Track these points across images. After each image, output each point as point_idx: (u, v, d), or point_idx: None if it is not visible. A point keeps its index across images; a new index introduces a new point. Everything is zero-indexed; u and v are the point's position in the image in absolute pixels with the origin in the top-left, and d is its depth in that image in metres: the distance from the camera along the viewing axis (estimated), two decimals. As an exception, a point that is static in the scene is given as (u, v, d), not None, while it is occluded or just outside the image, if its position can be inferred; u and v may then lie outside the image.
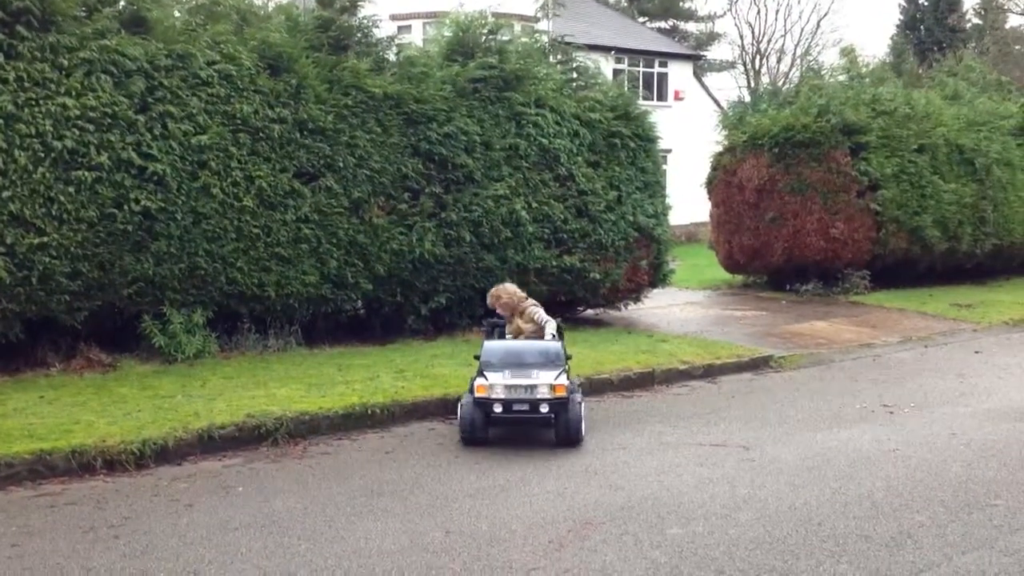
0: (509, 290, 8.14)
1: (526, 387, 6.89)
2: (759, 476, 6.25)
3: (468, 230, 11.23)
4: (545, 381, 6.89)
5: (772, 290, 16.93)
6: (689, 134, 27.29)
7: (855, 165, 15.99)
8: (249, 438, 7.15)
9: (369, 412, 7.78)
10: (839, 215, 15.86)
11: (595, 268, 12.23)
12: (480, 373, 7.05)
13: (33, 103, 8.57)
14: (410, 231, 10.88)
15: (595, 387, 9.08)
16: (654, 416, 8.18)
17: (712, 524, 5.30)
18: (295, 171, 10.14)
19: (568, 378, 7.12)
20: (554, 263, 11.94)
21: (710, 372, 10.03)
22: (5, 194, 8.40)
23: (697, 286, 17.82)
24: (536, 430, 7.21)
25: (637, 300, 13.39)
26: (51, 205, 8.64)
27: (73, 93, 8.76)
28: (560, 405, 6.88)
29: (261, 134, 9.88)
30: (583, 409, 7.17)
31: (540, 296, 12.01)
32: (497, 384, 6.90)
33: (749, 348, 11.07)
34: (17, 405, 7.56)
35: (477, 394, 6.95)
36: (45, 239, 8.60)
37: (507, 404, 6.88)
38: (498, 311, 8.05)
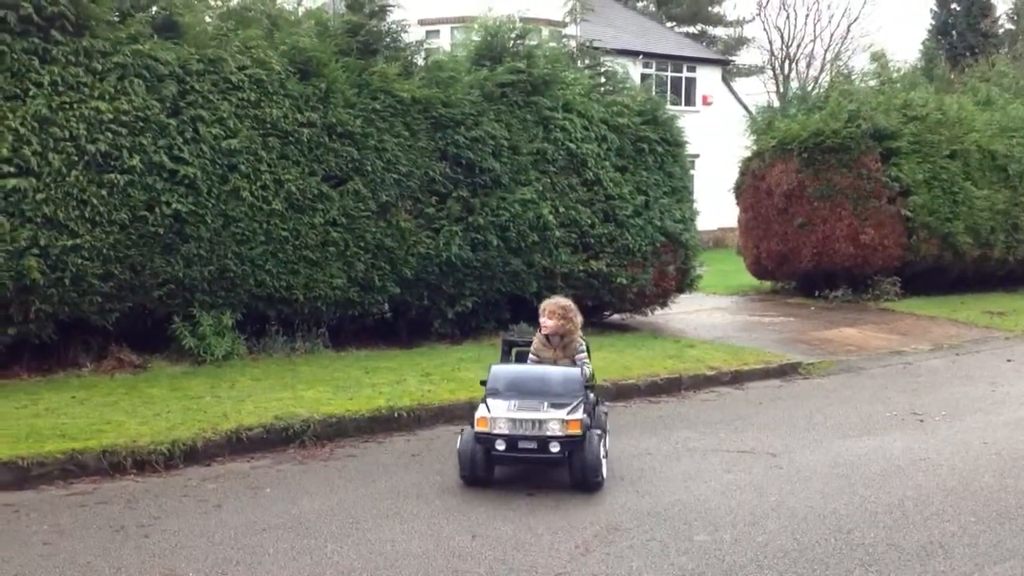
0: (573, 310, 6.66)
1: (534, 422, 5.88)
2: (787, 483, 6.21)
3: (495, 234, 11.24)
4: (556, 416, 5.87)
5: (801, 296, 16.82)
6: (717, 139, 27.19)
7: (886, 171, 15.86)
8: (277, 439, 7.19)
9: (396, 415, 7.81)
10: (869, 221, 15.73)
11: (622, 273, 12.20)
12: (484, 401, 6.10)
13: (67, 107, 8.67)
14: (437, 235, 10.91)
15: (622, 392, 9.06)
16: (681, 422, 8.14)
17: (739, 531, 5.27)
18: (323, 175, 10.20)
19: (587, 411, 6.10)
20: (581, 268, 11.93)
21: (738, 378, 9.97)
22: (39, 196, 8.51)
23: (724, 292, 17.73)
24: (547, 471, 6.23)
25: (664, 305, 13.34)
26: (84, 207, 8.74)
27: (106, 97, 8.86)
28: (574, 444, 5.89)
29: (290, 138, 9.95)
30: (603, 445, 6.21)
31: (567, 300, 12.05)
32: (500, 417, 5.91)
33: (777, 354, 11.00)
34: (49, 404, 7.65)
35: (477, 428, 5.96)
36: (78, 241, 8.70)
37: (512, 440, 5.88)
38: (544, 326, 6.62)
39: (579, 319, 6.70)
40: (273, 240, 9.84)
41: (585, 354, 6.60)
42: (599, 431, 6.16)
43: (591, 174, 12.06)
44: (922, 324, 13.86)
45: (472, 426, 6.02)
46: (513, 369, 6.47)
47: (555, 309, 6.62)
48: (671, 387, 9.45)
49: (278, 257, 9.90)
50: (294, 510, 5.71)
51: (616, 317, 13.32)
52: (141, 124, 9.02)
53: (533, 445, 5.88)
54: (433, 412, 7.98)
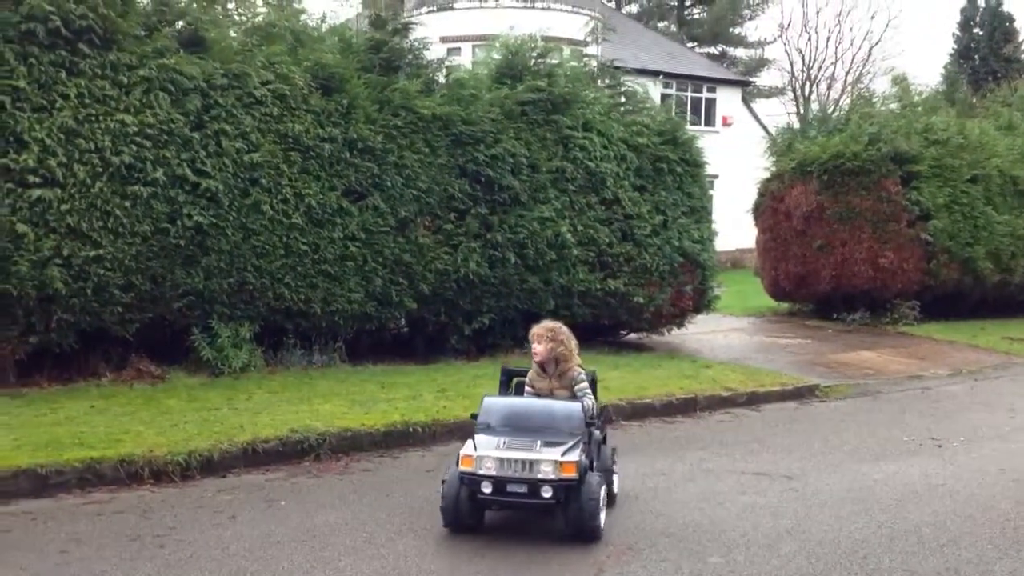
0: (564, 333, 6.05)
1: (524, 462, 5.26)
2: (803, 507, 6.18)
3: (513, 251, 11.27)
4: (549, 457, 5.25)
5: (818, 319, 16.75)
6: (736, 160, 27.16)
7: (906, 194, 15.81)
8: (292, 452, 7.22)
9: (411, 430, 7.82)
10: (889, 244, 15.66)
11: (639, 292, 12.20)
12: (472, 437, 5.52)
13: (93, 119, 8.78)
14: (455, 251, 10.95)
15: (637, 412, 9.05)
16: (696, 443, 8.12)
17: (754, 554, 5.25)
18: (343, 189, 10.27)
19: (589, 450, 5.57)
20: (598, 286, 11.93)
21: (754, 400, 9.94)
22: (63, 207, 8.60)
23: (742, 313, 17.68)
24: (539, 517, 5.61)
25: (681, 325, 13.32)
26: (107, 219, 8.83)
27: (132, 110, 8.97)
28: (568, 489, 5.27)
29: (312, 152, 10.03)
30: (607, 490, 5.69)
31: (583, 319, 12.05)
32: (488, 456, 5.29)
33: (794, 376, 10.96)
34: (69, 413, 7.71)
35: (462, 467, 5.33)
36: (100, 252, 8.79)
37: (499, 483, 5.27)
38: (536, 353, 6.05)
39: (573, 343, 6.04)
40: (292, 254, 9.90)
41: (586, 384, 5.98)
42: (601, 473, 5.59)
43: (610, 193, 12.08)
44: (941, 349, 13.77)
45: (457, 464, 5.40)
46: (507, 402, 5.87)
47: (542, 332, 6.01)
48: (687, 407, 9.42)
49: (297, 271, 9.96)
50: (308, 523, 5.73)
51: (632, 336, 13.31)
52: (165, 137, 9.12)
53: (523, 489, 5.26)
54: (448, 428, 7.99)
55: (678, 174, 12.78)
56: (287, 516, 5.89)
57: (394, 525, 5.68)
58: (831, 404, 10.12)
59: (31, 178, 8.46)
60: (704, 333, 14.22)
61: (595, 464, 5.62)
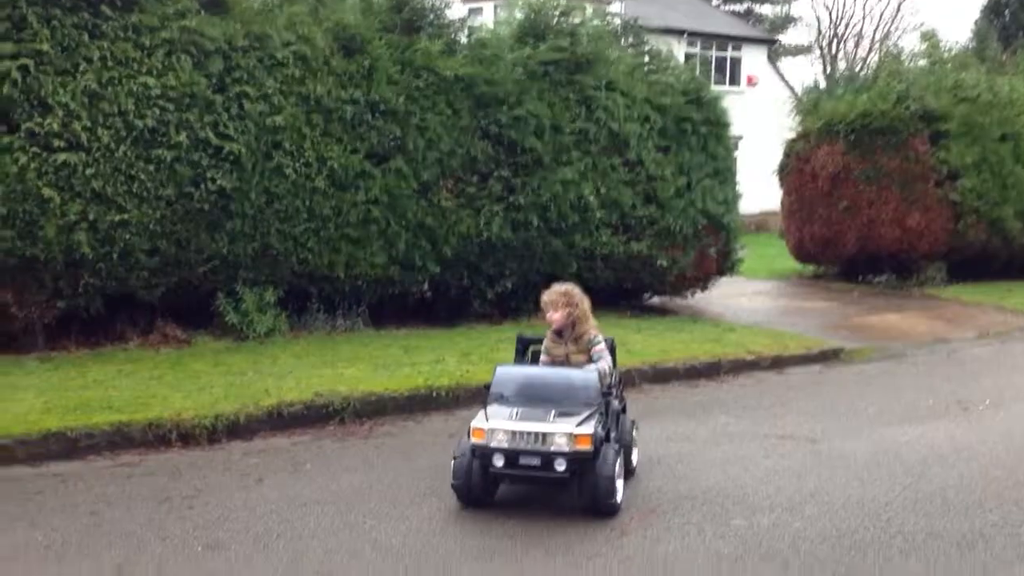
0: (577, 295, 5.87)
1: (537, 435, 5.09)
2: (827, 470, 6.17)
3: (536, 214, 11.23)
4: (563, 429, 5.08)
5: (844, 281, 16.63)
6: (761, 121, 26.87)
7: (934, 153, 15.60)
8: (317, 416, 7.27)
9: (434, 395, 7.85)
10: (916, 205, 15.49)
11: (663, 255, 12.14)
12: (484, 408, 5.37)
13: (116, 82, 8.77)
14: (478, 214, 10.92)
15: (660, 376, 9.04)
16: (720, 406, 8.11)
17: (777, 517, 5.25)
18: (366, 152, 10.23)
19: (606, 422, 5.40)
20: (621, 249, 11.88)
21: (778, 363, 9.90)
22: (88, 171, 8.64)
23: (766, 276, 17.58)
24: (553, 490, 5.44)
25: (704, 288, 13.26)
26: (132, 183, 8.85)
27: (154, 72, 8.95)
28: (583, 462, 5.10)
29: (334, 115, 9.99)
30: (623, 462, 5.43)
31: (606, 283, 12.02)
32: (499, 428, 5.14)
33: (818, 340, 10.90)
34: (97, 377, 7.80)
35: (473, 439, 5.19)
36: (126, 216, 8.83)
37: (511, 456, 5.12)
38: (552, 321, 5.85)
39: (587, 304, 5.88)
40: (315, 217, 9.91)
41: (603, 345, 5.80)
42: (618, 446, 5.39)
43: (633, 154, 11.99)
44: (968, 311, 13.64)
45: (468, 437, 5.25)
46: (520, 371, 5.69)
47: (557, 299, 5.80)
48: (710, 371, 9.40)
49: (320, 235, 9.97)
50: (334, 486, 5.78)
51: (656, 300, 13.27)
52: (188, 100, 9.10)
53: (536, 462, 5.10)
54: (471, 392, 7.99)
55: (702, 135, 12.65)
56: (313, 479, 5.95)
57: (418, 488, 5.72)
58: (856, 367, 10.06)
59: (56, 142, 8.49)
60: (728, 296, 14.16)
61: (612, 435, 5.46)
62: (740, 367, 9.59)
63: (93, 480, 5.86)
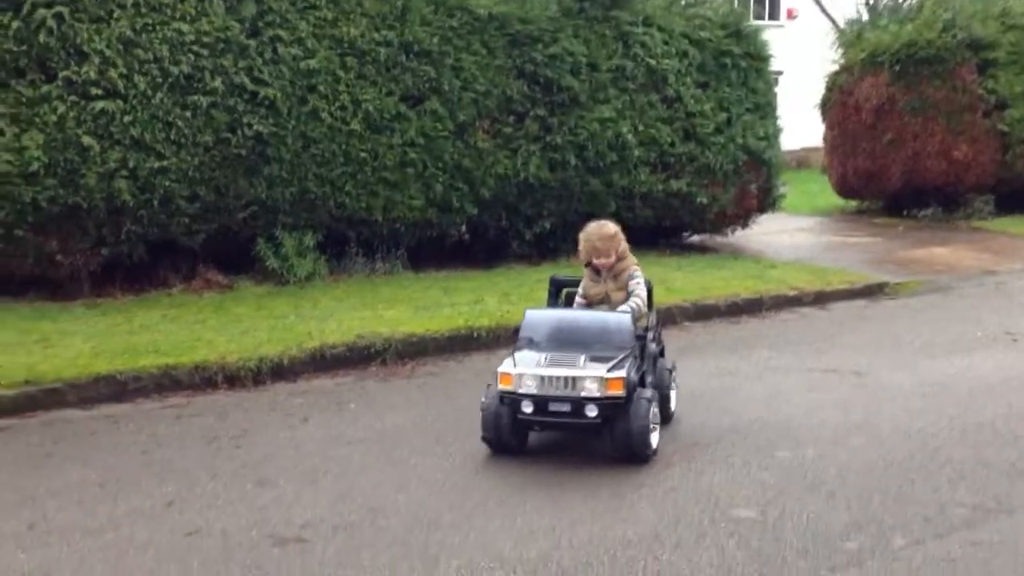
0: (611, 232, 5.60)
1: (567, 379, 4.90)
2: (873, 402, 6.11)
3: (573, 154, 11.12)
4: (594, 373, 4.88)
5: (888, 216, 16.34)
6: (802, 55, 26.20)
7: (982, 83, 15.18)
8: (359, 358, 7.33)
9: (475, 335, 7.87)
10: (963, 136, 15.12)
11: (702, 193, 11.99)
12: (512, 353, 5.20)
13: (150, 28, 8.75)
14: (515, 155, 10.84)
15: (701, 313, 8.99)
16: (762, 342, 8.05)
17: (823, 448, 5.22)
18: (401, 94, 10.16)
19: (641, 365, 5.24)
20: (660, 187, 11.75)
21: (821, 298, 9.78)
22: (127, 119, 8.67)
23: (808, 212, 17.32)
24: (585, 437, 5.27)
25: (745, 226, 13.11)
26: (169, 130, 8.88)
27: (188, 18, 8.92)
28: (615, 407, 4.92)
29: (367, 57, 9.91)
30: (659, 407, 5.22)
31: (645, 222, 11.92)
32: (527, 373, 4.96)
33: (862, 274, 10.75)
34: (143, 322, 7.92)
35: (500, 385, 5.02)
36: (165, 163, 8.87)
37: (541, 402, 4.94)
38: (604, 265, 5.61)
39: (618, 232, 5.64)
40: (352, 161, 9.89)
41: (640, 280, 5.59)
42: (653, 390, 5.23)
43: (671, 91, 11.79)
44: (1016, 243, 13.36)
45: (496, 383, 5.08)
46: (549, 315, 5.49)
47: (608, 245, 5.53)
48: (752, 307, 9.31)
49: (357, 178, 9.96)
50: (378, 425, 5.84)
51: (696, 238, 13.15)
52: (222, 45, 9.07)
53: (566, 408, 4.92)
54: (511, 332, 7.89)
55: (742, 69, 12.41)
56: (357, 418, 6.01)
57: (461, 426, 5.74)
58: (901, 301, 9.92)
59: (93, 90, 8.53)
60: (769, 233, 13.97)
61: (649, 380, 5.32)
62: (782, 303, 9.50)
63: (143, 421, 5.97)
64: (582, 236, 5.67)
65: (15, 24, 8.27)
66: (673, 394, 5.72)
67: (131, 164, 8.72)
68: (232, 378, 6.75)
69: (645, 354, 5.34)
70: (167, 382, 6.58)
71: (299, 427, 5.83)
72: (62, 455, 5.34)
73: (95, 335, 7.41)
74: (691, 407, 6.01)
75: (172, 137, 8.89)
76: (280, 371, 6.95)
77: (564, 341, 5.16)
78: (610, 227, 5.63)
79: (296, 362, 7.07)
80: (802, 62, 25.65)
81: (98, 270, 9.09)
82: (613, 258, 5.58)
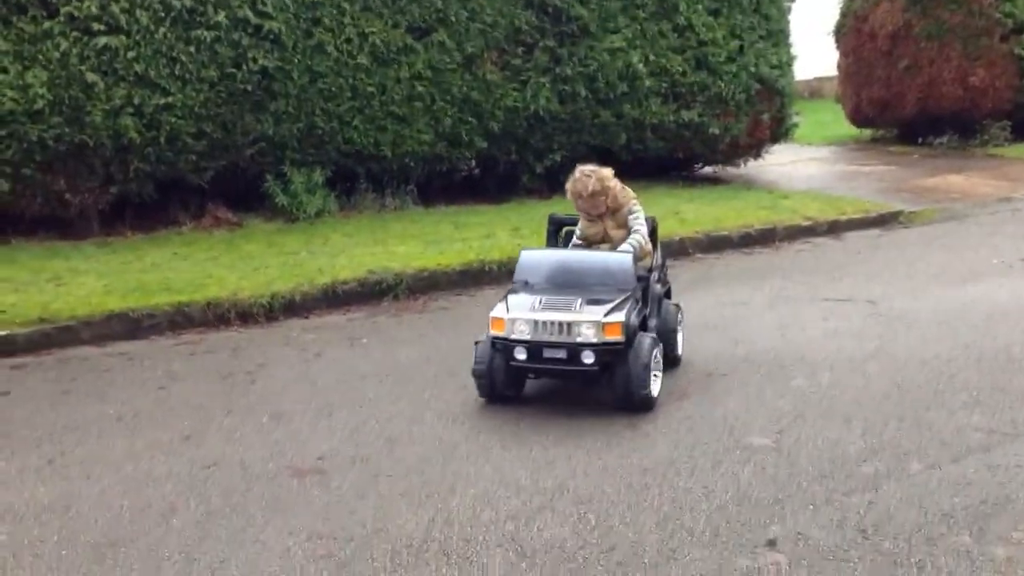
0: (604, 175, 5.27)
1: (562, 324, 4.61)
2: (888, 330, 6.07)
3: (583, 85, 10.96)
4: (590, 318, 4.59)
5: (903, 144, 16.13)
6: (815, -19, 25.67)
7: (999, 7, 14.80)
8: (371, 293, 7.33)
9: (486, 268, 7.84)
10: (980, 61, 14.82)
11: (714, 123, 11.84)
12: (505, 297, 4.90)
13: (148, -38, 8.60)
14: (524, 87, 10.69)
15: (714, 244, 8.93)
16: (776, 272, 8.00)
17: (838, 375, 5.20)
18: (407, 26, 9.99)
19: (643, 308, 4.95)
20: (671, 118, 11.60)
21: (835, 228, 9.70)
22: (130, 55, 8.56)
23: (821, 142, 17.12)
24: (583, 384, 4.96)
25: (758, 156, 12.97)
26: (173, 65, 8.77)
27: (189, -49, 8.75)
28: (614, 353, 4.63)
29: (371, -11, 9.72)
30: (663, 351, 4.93)
31: (657, 153, 11.79)
32: (520, 318, 4.66)
33: (877, 203, 10.64)
34: (154, 260, 7.91)
35: (492, 331, 4.74)
36: (170, 99, 8.79)
37: (535, 348, 4.65)
38: (579, 205, 5.37)
39: (609, 174, 5.31)
40: (359, 96, 9.77)
41: (640, 214, 5.34)
42: (655, 335, 4.94)
43: (683, 19, 11.57)
44: (1033, 170, 13.19)
45: (489, 327, 4.80)
46: (546, 255, 5.21)
47: (594, 193, 5.20)
48: (765, 238, 9.24)
49: (365, 113, 9.85)
50: (391, 359, 5.84)
51: (708, 169, 13.03)
52: (224, -22, 8.90)
53: (562, 354, 4.63)
54: (524, 264, 7.98)
55: (753, -5, 12.14)
56: (370, 352, 6.01)
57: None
58: (916, 229, 9.83)
59: (95, 25, 8.41)
60: (782, 164, 13.83)
61: (652, 323, 5.06)
62: (796, 233, 9.42)
63: (157, 358, 5.99)
64: (568, 192, 5.34)
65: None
66: (679, 337, 5.45)
67: (136, 101, 8.64)
68: (245, 315, 6.76)
69: (648, 295, 5.08)
70: (180, 319, 6.60)
71: (313, 362, 5.84)
72: (78, 391, 5.37)
73: (107, 273, 7.41)
74: (704, 338, 5.98)
75: (176, 73, 8.79)
76: (292, 307, 6.96)
77: (561, 283, 4.91)
78: (591, 183, 5.22)
79: (308, 298, 7.07)
80: (815, -12, 25.11)
81: (107, 209, 9.07)
82: (603, 209, 5.30)
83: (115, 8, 8.44)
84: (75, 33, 8.36)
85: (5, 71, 8.18)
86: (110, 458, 4.36)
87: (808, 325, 6.25)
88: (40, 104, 8.25)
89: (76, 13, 8.33)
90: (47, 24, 8.29)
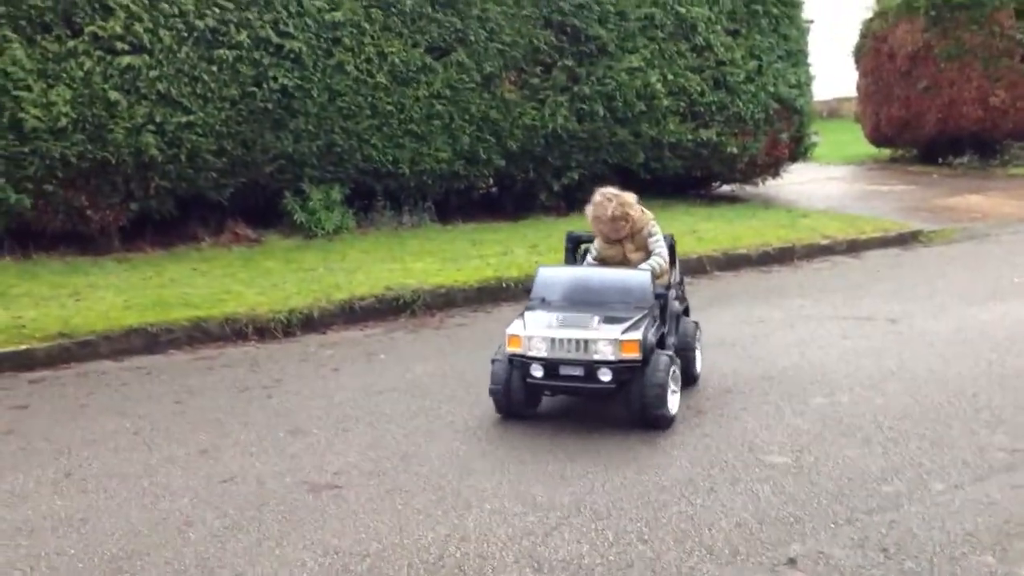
0: (626, 201, 5.24)
1: (579, 342, 4.59)
2: (908, 349, 6.02)
3: (601, 104, 10.99)
4: (607, 335, 4.57)
5: (922, 164, 16.08)
6: (833, 4, 25.68)
7: (1020, 27, 14.78)
8: (388, 309, 7.34)
9: (504, 285, 7.85)
10: (1000, 82, 14.79)
11: (732, 142, 11.84)
12: (522, 314, 4.89)
13: (174, -18, 8.70)
14: (542, 105, 10.73)
15: (732, 262, 8.90)
16: (794, 290, 7.96)
17: (857, 395, 5.15)
18: (427, 46, 10.06)
19: (661, 326, 4.92)
20: (689, 137, 11.61)
21: (854, 247, 9.65)
22: (152, 73, 8.64)
23: (840, 161, 17.08)
24: (600, 402, 4.99)
25: (776, 175, 12.96)
26: (195, 84, 8.85)
27: (213, -29, 8.85)
28: (630, 371, 4.60)
29: (393, 9, 9.81)
30: (674, 372, 4.76)
31: (675, 172, 11.79)
32: (537, 335, 4.66)
33: (896, 222, 10.59)
34: (173, 276, 7.95)
35: (509, 348, 4.73)
36: (191, 118, 8.86)
37: (552, 366, 4.65)
38: (598, 228, 5.31)
39: (632, 199, 5.27)
40: (378, 114, 9.83)
41: (659, 236, 5.31)
42: (672, 353, 4.89)
43: (701, 39, 11.60)
44: (1055, 191, 13.10)
45: (506, 345, 4.78)
46: (563, 272, 5.19)
47: (599, 214, 5.18)
48: (784, 257, 9.22)
49: (383, 131, 9.91)
50: (408, 375, 5.83)
51: (726, 188, 13.02)
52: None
53: (578, 371, 4.62)
54: (541, 282, 7.97)
55: (774, 16, 12.19)
56: (387, 368, 6.01)
57: (492, 374, 5.72)
58: (936, 249, 9.77)
59: (119, 45, 8.50)
60: (800, 183, 13.80)
61: (670, 341, 5.03)
62: (815, 252, 9.39)
63: (175, 372, 6.01)
64: (588, 215, 5.29)
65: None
66: (698, 354, 5.40)
67: (158, 119, 8.72)
68: (262, 330, 6.78)
69: (666, 313, 5.05)
70: (198, 334, 6.62)
71: (330, 377, 5.84)
72: (96, 405, 5.38)
73: (126, 288, 7.46)
74: (723, 355, 5.95)
75: (198, 91, 8.87)
76: (310, 323, 6.97)
77: (578, 301, 4.88)
78: (612, 207, 5.17)
79: (325, 314, 7.08)
80: (834, 9, 25.13)
81: (127, 225, 9.13)
82: (624, 234, 5.26)
83: (139, 28, 8.54)
84: (99, 52, 8.45)
85: (29, 89, 8.27)
86: (127, 472, 4.36)
87: (827, 344, 6.21)
88: (64, 122, 8.34)
89: (100, 32, 8.43)
90: (71, 43, 8.38)
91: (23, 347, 6.14)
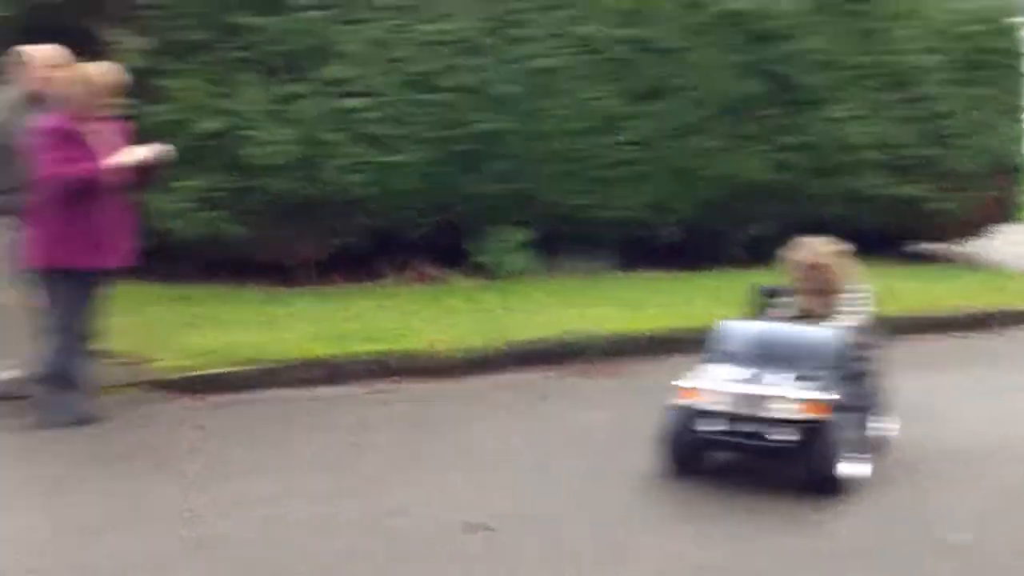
0: (830, 251, 5.10)
1: (757, 398, 4.48)
2: (1123, 429, 5.48)
3: (802, 155, 10.67)
4: (787, 393, 4.44)
5: None
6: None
7: None
8: (564, 354, 7.32)
9: (683, 336, 7.66)
10: None
11: (937, 198, 11.19)
12: (700, 366, 4.84)
13: (397, 30, 9.11)
14: (739, 154, 10.50)
15: (928, 325, 8.41)
16: (994, 359, 7.46)
17: (1059, 477, 4.73)
18: (630, 94, 10.05)
19: (847, 387, 4.63)
20: (891, 192, 11.06)
21: (1062, 316, 8.89)
22: (368, 116, 9.04)
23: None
24: (770, 464, 4.80)
25: (983, 235, 12.14)
26: (403, 126, 9.19)
27: (433, 19, 9.20)
28: (810, 431, 4.43)
29: (603, 55, 9.83)
30: (852, 435, 4.61)
31: (873, 226, 11.24)
32: (713, 389, 4.60)
33: (1114, 293, 9.67)
34: (359, 311, 8.25)
35: (683, 399, 4.67)
36: (397, 158, 9.18)
37: (726, 421, 4.56)
38: (795, 276, 5.15)
39: (843, 259, 5.08)
40: (572, 159, 9.89)
41: (858, 294, 5.09)
42: (856, 414, 4.68)
43: (915, 89, 11.06)
44: None
45: (678, 397, 4.73)
46: (746, 327, 5.01)
47: (805, 264, 5.00)
48: (986, 322, 8.62)
49: (575, 176, 9.97)
50: (581, 420, 5.83)
51: (927, 246, 12.32)
52: (461, 45, 9.28)
53: (754, 428, 4.49)
54: (719, 335, 7.79)
55: (995, 67, 11.46)
56: (559, 412, 6.03)
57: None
58: None
59: (342, 88, 8.95)
60: (1011, 244, 12.83)
61: (856, 402, 4.77)
62: (1020, 319, 8.74)
63: (353, 404, 6.23)
64: (789, 257, 5.11)
65: (271, 26, 8.83)
66: (885, 421, 5.16)
67: (367, 159, 9.12)
68: (439, 368, 6.93)
69: (856, 374, 4.83)
70: (377, 368, 6.83)
71: (501, 418, 5.93)
72: (271, 432, 5.62)
73: (316, 320, 7.80)
74: (910, 422, 5.56)
75: (406, 133, 9.23)
76: (485, 363, 7.07)
77: (759, 356, 4.69)
78: (814, 255, 5.01)
79: (501, 355, 7.17)
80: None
81: (325, 259, 9.59)
82: (822, 285, 5.03)
83: (361, 72, 8.96)
84: (321, 95, 8.91)
85: (258, 128, 8.84)
86: (293, 499, 4.54)
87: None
88: (284, 160, 8.87)
89: (325, 76, 8.91)
90: (296, 86, 8.88)
91: (214, 371, 6.50)
